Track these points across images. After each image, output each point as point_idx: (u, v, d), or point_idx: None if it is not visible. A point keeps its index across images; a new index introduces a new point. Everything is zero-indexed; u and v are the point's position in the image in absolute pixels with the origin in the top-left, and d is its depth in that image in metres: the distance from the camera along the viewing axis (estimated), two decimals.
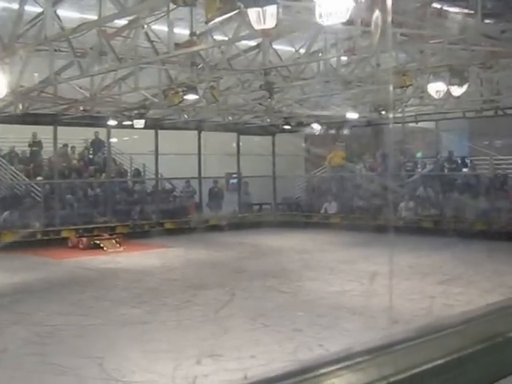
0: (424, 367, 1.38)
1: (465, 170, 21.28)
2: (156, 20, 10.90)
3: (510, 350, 1.62)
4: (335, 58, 13.26)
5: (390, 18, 6.26)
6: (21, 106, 16.37)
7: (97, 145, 21.85)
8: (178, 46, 10.86)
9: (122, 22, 11.06)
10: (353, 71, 14.13)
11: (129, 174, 22.55)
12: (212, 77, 13.74)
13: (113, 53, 11.37)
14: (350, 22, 8.33)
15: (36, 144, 20.47)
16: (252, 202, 24.44)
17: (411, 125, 21.63)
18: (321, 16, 7.05)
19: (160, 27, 11.18)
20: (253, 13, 7.13)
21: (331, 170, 23.98)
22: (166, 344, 7.57)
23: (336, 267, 13.34)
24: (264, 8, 7.05)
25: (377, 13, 6.95)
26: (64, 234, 18.20)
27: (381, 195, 19.77)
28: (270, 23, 7.21)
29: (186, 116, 19.83)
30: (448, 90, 12.69)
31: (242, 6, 7.14)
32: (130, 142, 22.21)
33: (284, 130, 22.61)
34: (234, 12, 7.26)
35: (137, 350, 7.26)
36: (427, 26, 9.84)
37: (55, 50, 12.03)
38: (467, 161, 21.41)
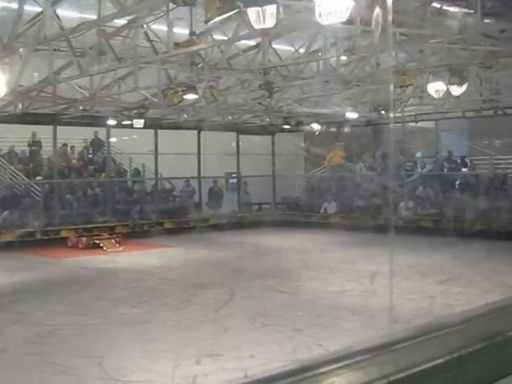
0: (424, 366, 1.38)
1: (464, 169, 21.28)
2: (155, 19, 10.89)
3: (510, 349, 1.62)
4: (335, 58, 13.24)
5: (390, 17, 6.24)
6: (20, 106, 16.37)
7: (96, 144, 21.85)
8: (177, 45, 10.86)
9: (122, 21, 11.05)
10: (352, 71, 14.12)
11: (128, 174, 22.54)
12: (211, 76, 13.73)
13: (112, 52, 11.37)
14: (349, 22, 8.32)
15: (35, 144, 20.47)
16: (251, 201, 24.44)
17: (411, 124, 21.63)
18: (320, 15, 7.05)
19: (159, 27, 11.17)
20: (252, 12, 7.12)
21: (331, 170, 23.98)
22: (165, 343, 7.57)
23: (335, 267, 13.34)
24: (263, 7, 7.05)
25: (377, 10, 6.93)
26: (63, 234, 18.19)
27: (380, 195, 19.78)
28: (270, 23, 7.20)
29: (185, 116, 19.83)
30: (448, 89, 12.68)
31: (241, 5, 7.14)
32: (129, 142, 22.20)
33: (283, 130, 22.61)
34: (234, 11, 7.25)
35: (136, 350, 7.26)
36: (427, 25, 9.83)
37: (55, 50, 12.03)
38: (467, 160, 21.42)
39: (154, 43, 11.88)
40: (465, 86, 12.35)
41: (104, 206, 20.19)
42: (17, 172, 19.42)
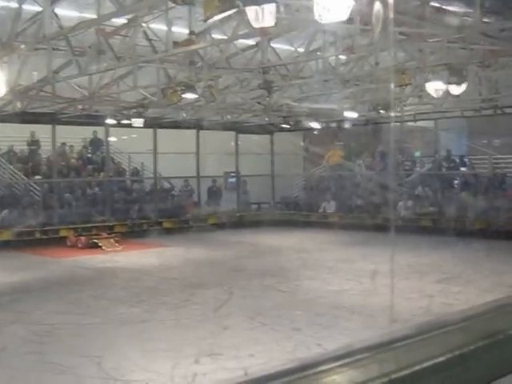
0: (425, 364, 1.37)
1: (463, 169, 21.28)
2: (154, 19, 10.90)
3: (511, 347, 1.61)
4: (334, 57, 13.24)
5: (391, 14, 6.22)
6: (19, 105, 16.36)
7: (95, 144, 21.84)
8: (176, 44, 10.84)
9: (121, 20, 11.03)
10: (351, 70, 14.12)
11: (127, 173, 22.52)
12: (210, 75, 13.73)
13: (111, 51, 11.36)
14: (349, 21, 8.31)
15: (34, 143, 20.45)
16: (250, 200, 24.45)
17: (410, 124, 21.64)
18: (320, 14, 7.04)
19: (158, 26, 11.17)
20: (251, 11, 7.12)
21: (330, 169, 23.98)
22: (164, 343, 7.56)
23: (334, 266, 13.34)
24: (262, 6, 7.04)
25: (378, 5, 6.90)
26: (62, 233, 18.19)
27: (379, 194, 19.78)
28: (269, 21, 7.20)
29: (184, 115, 19.82)
30: (447, 88, 12.68)
31: (240, 4, 7.13)
32: (128, 141, 22.19)
33: (282, 129, 22.61)
34: (233, 10, 7.25)
35: (135, 349, 7.25)
36: (426, 24, 9.83)
37: (54, 49, 12.02)
38: (466, 160, 21.42)
39: (153, 42, 11.88)
40: (464, 86, 12.34)
41: (103, 205, 20.18)
42: (16, 171, 19.40)
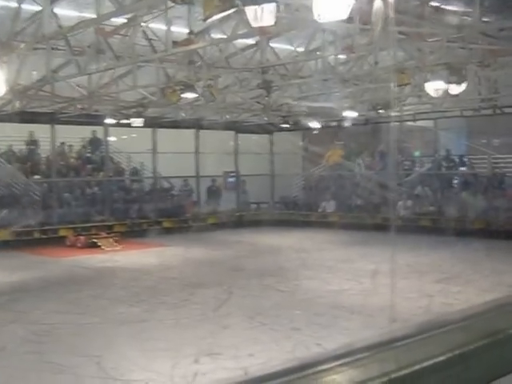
0: (425, 363, 1.37)
1: (463, 168, 21.28)
2: (154, 18, 10.89)
3: (511, 346, 1.61)
4: (333, 56, 13.24)
5: (391, 13, 6.21)
6: (18, 104, 16.35)
7: (94, 143, 21.81)
8: (175, 44, 10.84)
9: (120, 20, 11.02)
10: (351, 69, 14.11)
11: (127, 173, 22.51)
12: (210, 75, 13.72)
13: (110, 51, 11.35)
14: (349, 20, 8.30)
15: (32, 143, 20.43)
16: (250, 200, 24.45)
17: (409, 123, 21.62)
18: (319, 14, 7.03)
19: (158, 25, 11.16)
20: (251, 10, 7.10)
21: (329, 169, 23.97)
22: (164, 342, 7.56)
23: (334, 266, 13.33)
24: (262, 6, 7.03)
25: (378, 3, 6.89)
26: (62, 233, 18.18)
27: (379, 194, 19.77)
28: (268, 21, 7.18)
29: (183, 114, 19.81)
30: (446, 88, 12.67)
31: (239, 3, 7.12)
32: (127, 141, 22.17)
33: (282, 129, 22.59)
34: (232, 10, 7.24)
35: (135, 349, 7.25)
36: (426, 24, 9.82)
37: (53, 49, 12.00)
38: (465, 159, 21.42)
39: (152, 42, 11.87)
40: (463, 85, 12.34)
41: (102, 204, 20.17)
42: (15, 171, 19.36)
